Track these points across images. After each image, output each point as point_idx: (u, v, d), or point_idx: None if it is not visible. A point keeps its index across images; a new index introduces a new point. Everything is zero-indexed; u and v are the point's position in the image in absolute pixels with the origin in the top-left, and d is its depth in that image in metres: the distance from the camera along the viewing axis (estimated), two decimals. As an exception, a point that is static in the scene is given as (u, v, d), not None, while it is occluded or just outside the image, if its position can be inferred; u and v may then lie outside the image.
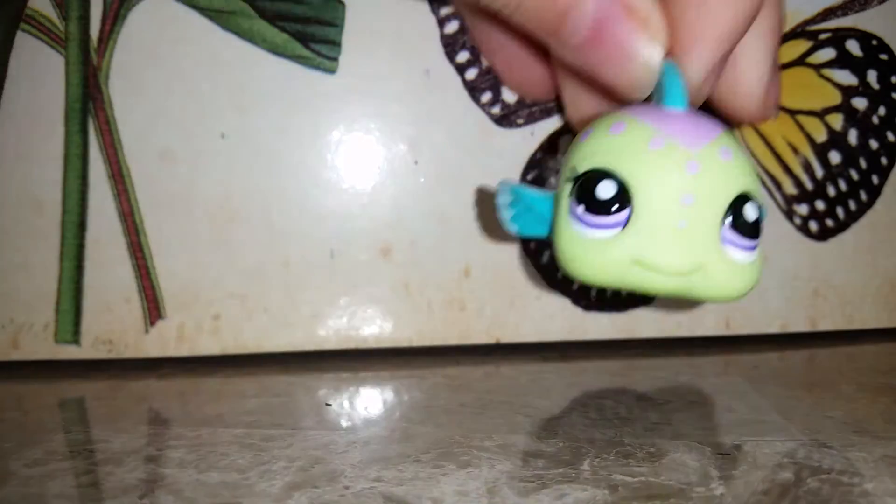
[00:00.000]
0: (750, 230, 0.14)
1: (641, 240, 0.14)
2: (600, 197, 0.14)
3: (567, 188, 0.15)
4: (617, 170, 0.14)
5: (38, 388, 0.22)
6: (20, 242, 0.22)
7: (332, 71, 0.23)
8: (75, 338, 0.23)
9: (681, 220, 0.14)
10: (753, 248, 0.15)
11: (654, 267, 0.14)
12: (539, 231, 0.17)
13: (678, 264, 0.14)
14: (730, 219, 0.14)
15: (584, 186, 0.15)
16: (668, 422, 0.18)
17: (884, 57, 0.25)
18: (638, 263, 0.14)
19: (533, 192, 0.17)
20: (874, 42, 0.25)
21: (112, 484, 0.15)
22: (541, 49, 0.20)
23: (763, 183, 0.25)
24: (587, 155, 0.15)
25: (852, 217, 0.26)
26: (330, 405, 0.20)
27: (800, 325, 0.26)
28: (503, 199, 0.17)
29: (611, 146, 0.15)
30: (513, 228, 0.17)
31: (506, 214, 0.17)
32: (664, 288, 0.15)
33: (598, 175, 0.14)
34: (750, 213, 0.14)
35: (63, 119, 0.22)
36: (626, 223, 0.14)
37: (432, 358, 0.24)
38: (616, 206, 0.14)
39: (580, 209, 0.15)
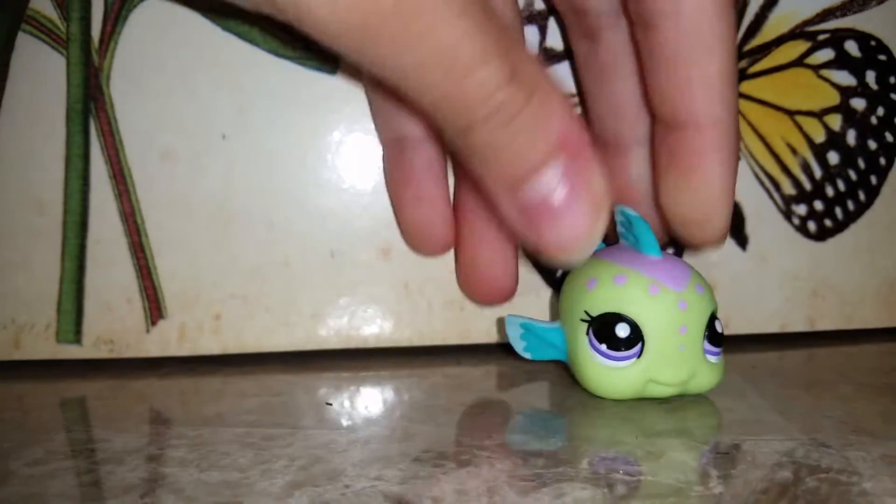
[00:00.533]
0: (719, 340, 0.19)
1: (654, 364, 0.19)
2: (620, 336, 0.19)
3: (582, 327, 0.19)
4: (628, 314, 0.19)
5: (40, 388, 0.22)
6: (22, 242, 0.22)
7: (332, 72, 0.23)
8: (77, 338, 0.23)
9: (680, 345, 0.19)
10: (720, 351, 0.20)
11: (666, 382, 0.19)
12: (552, 356, 0.21)
13: (679, 378, 0.19)
14: (706, 335, 0.19)
15: (604, 329, 0.19)
16: (667, 421, 0.18)
17: (882, 58, 0.25)
18: (652, 381, 0.19)
19: (542, 325, 0.20)
20: (873, 43, 0.25)
21: (113, 483, 0.15)
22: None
23: (762, 183, 0.25)
24: (599, 302, 0.19)
25: (851, 217, 0.26)
26: (330, 404, 0.20)
27: (799, 325, 0.26)
28: (513, 332, 0.21)
29: (620, 295, 0.19)
30: (527, 356, 0.21)
31: (518, 345, 0.21)
32: (665, 394, 0.19)
33: (614, 319, 0.19)
34: (718, 327, 0.19)
35: (64, 120, 0.22)
36: (640, 353, 0.19)
37: (432, 357, 0.24)
38: (631, 342, 0.19)
39: (603, 347, 0.19)
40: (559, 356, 0.21)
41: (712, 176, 0.18)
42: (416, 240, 0.22)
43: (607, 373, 0.19)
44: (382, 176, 0.23)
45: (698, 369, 0.19)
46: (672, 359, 0.19)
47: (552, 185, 0.16)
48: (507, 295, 0.21)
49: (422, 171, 0.21)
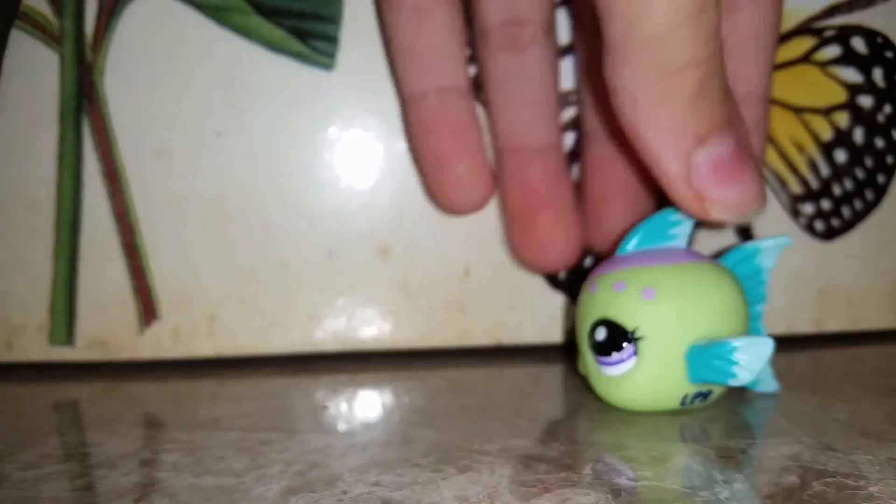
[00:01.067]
0: (598, 349, 0.18)
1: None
2: None
3: None
4: None
5: (32, 390, 0.22)
6: (13, 242, 0.22)
7: (329, 67, 0.23)
8: (69, 339, 0.23)
9: (578, 337, 0.19)
10: (613, 364, 0.18)
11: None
12: None
13: (581, 370, 0.19)
14: (589, 339, 0.18)
15: None
16: (671, 425, 0.18)
17: (889, 55, 0.25)
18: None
19: None
20: (879, 39, 0.25)
21: (106, 487, 0.15)
22: None
23: (768, 182, 0.25)
24: None
25: (858, 217, 0.26)
26: (327, 408, 0.20)
27: (805, 326, 0.26)
28: None
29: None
30: None
31: None
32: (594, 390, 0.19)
33: None
34: (597, 335, 0.18)
35: (57, 117, 0.22)
36: None
37: (432, 360, 0.24)
38: None
39: None
40: None
41: (758, 147, 0.21)
42: (459, 194, 0.22)
43: None
44: (381, 175, 0.23)
45: (589, 373, 0.19)
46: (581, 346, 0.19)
47: (732, 145, 0.17)
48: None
49: (471, 123, 0.21)
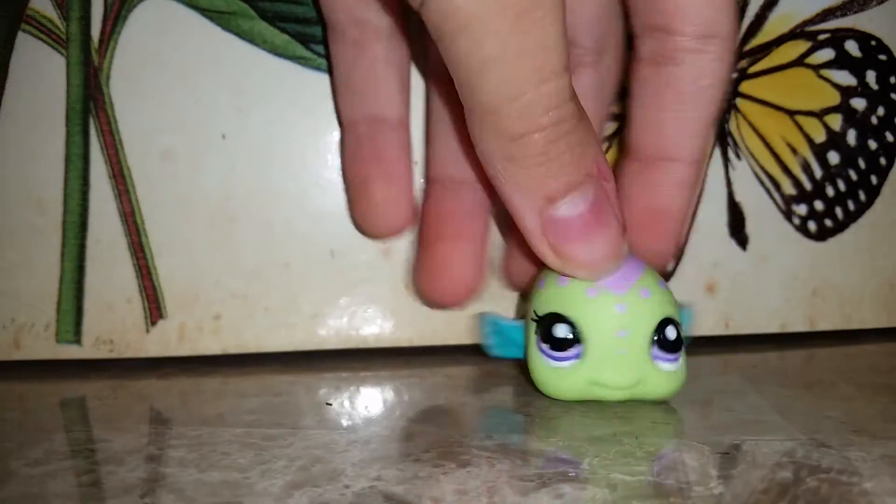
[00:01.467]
0: (671, 346, 0.19)
1: (595, 367, 0.19)
2: (559, 337, 0.19)
3: (532, 326, 0.19)
4: (568, 315, 0.19)
5: (40, 388, 0.22)
6: (21, 242, 0.23)
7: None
8: (76, 338, 0.23)
9: (619, 349, 0.18)
10: (677, 358, 0.19)
11: (607, 385, 0.19)
12: (515, 354, 0.21)
13: (623, 382, 0.19)
14: (656, 341, 0.19)
15: (546, 329, 0.19)
16: (668, 421, 0.18)
17: (882, 57, 0.25)
18: (594, 384, 0.19)
19: (507, 323, 0.21)
20: (873, 43, 0.25)
21: (113, 483, 0.15)
22: None
23: (762, 183, 0.25)
24: (543, 302, 0.19)
25: (851, 217, 0.26)
26: (330, 404, 0.20)
27: (799, 325, 0.26)
28: (484, 329, 0.21)
29: (561, 296, 0.19)
30: (493, 352, 0.21)
31: (487, 341, 0.21)
32: (614, 398, 0.19)
33: (555, 319, 0.19)
34: (670, 334, 0.19)
35: (64, 120, 0.22)
36: (580, 355, 0.19)
37: (432, 357, 0.24)
38: (571, 344, 0.19)
39: (546, 346, 0.19)
40: (521, 354, 0.20)
41: (684, 207, 0.20)
42: (378, 219, 0.22)
43: (551, 372, 0.19)
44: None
45: (645, 375, 0.19)
46: (613, 362, 0.19)
47: (583, 206, 0.17)
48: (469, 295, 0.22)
49: (397, 152, 0.21)
